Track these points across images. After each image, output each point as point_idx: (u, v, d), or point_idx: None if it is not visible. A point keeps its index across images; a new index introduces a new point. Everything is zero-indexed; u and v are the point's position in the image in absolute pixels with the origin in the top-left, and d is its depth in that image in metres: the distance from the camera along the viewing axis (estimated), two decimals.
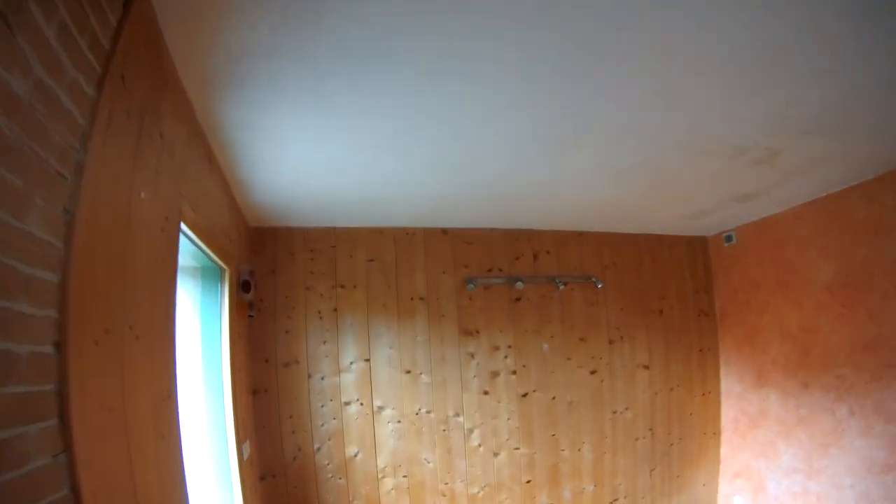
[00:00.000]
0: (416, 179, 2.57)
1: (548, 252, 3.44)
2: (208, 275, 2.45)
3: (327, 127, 1.95)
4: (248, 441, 2.64)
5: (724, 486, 3.52)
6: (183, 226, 1.64)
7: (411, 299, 3.26)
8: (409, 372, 3.17)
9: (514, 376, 3.28)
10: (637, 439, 3.40)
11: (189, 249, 1.98)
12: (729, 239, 3.57)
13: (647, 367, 3.47)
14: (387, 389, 3.14)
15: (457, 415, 3.19)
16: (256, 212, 2.95)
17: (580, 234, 3.50)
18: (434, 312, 3.26)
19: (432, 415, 3.16)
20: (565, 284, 3.35)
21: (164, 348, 1.40)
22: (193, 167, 1.77)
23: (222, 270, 2.46)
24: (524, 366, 3.30)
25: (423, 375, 3.18)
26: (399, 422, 3.12)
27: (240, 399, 2.52)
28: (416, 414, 3.15)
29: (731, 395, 3.54)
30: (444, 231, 3.39)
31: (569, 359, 3.36)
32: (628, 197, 2.92)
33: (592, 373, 3.39)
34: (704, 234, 3.70)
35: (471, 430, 3.20)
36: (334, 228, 3.28)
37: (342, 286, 3.21)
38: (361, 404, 3.10)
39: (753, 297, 3.41)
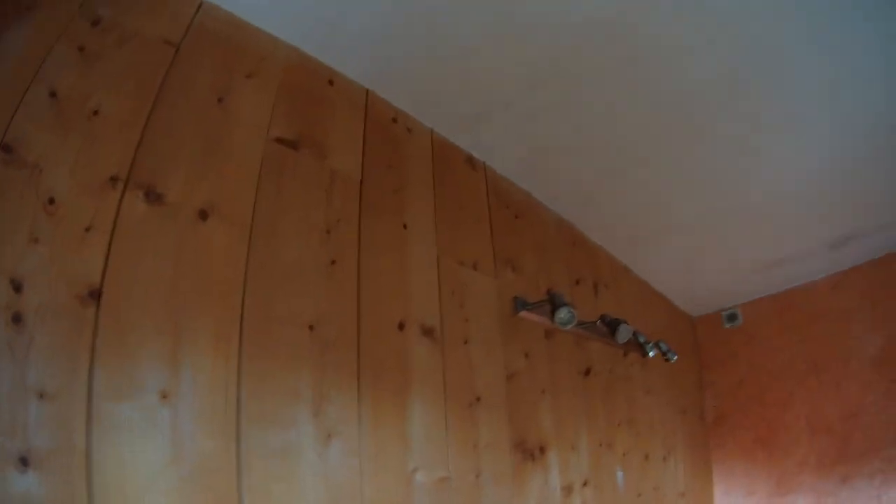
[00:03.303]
0: None
1: (606, 286, 1.82)
2: None
3: None
4: None
5: None
6: None
7: (402, 327, 1.05)
8: None
9: None
10: None
11: None
12: (732, 318, 2.72)
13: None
14: None
15: None
16: None
17: (627, 270, 2.03)
18: (456, 372, 1.12)
19: None
20: (652, 351, 1.76)
21: None
22: None
23: None
24: None
25: None
26: None
27: None
28: None
29: None
30: (472, 161, 1.39)
31: (639, 495, 1.68)
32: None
33: None
34: (691, 312, 2.78)
35: None
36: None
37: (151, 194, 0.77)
38: None
39: (771, 389, 2.59)
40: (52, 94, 0.78)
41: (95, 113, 0.82)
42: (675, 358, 1.93)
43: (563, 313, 1.36)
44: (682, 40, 1.21)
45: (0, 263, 0.68)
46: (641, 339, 1.76)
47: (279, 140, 1.03)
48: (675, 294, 2.43)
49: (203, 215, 0.88)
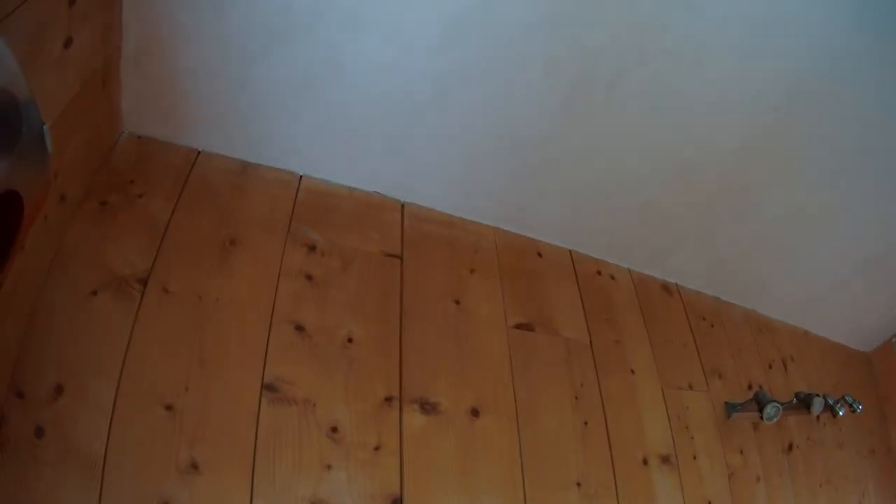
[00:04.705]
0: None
1: (793, 358, 1.99)
2: None
3: None
4: None
5: None
6: None
7: (645, 462, 1.35)
8: None
9: None
10: None
11: None
12: None
13: None
14: None
15: None
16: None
17: (807, 334, 2.15)
18: (690, 486, 1.41)
19: None
20: (841, 410, 1.93)
21: None
22: None
23: None
24: None
25: None
26: None
27: None
28: None
29: None
30: (667, 287, 1.64)
31: None
32: None
33: None
34: (865, 348, 2.76)
35: None
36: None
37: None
38: None
39: None
40: (300, 328, 0.88)
41: (350, 341, 0.94)
42: (861, 408, 2.03)
43: (770, 411, 1.59)
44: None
45: (299, 491, 0.78)
46: (831, 402, 1.90)
47: (518, 326, 1.25)
48: (849, 337, 2.46)
49: (475, 413, 1.05)
